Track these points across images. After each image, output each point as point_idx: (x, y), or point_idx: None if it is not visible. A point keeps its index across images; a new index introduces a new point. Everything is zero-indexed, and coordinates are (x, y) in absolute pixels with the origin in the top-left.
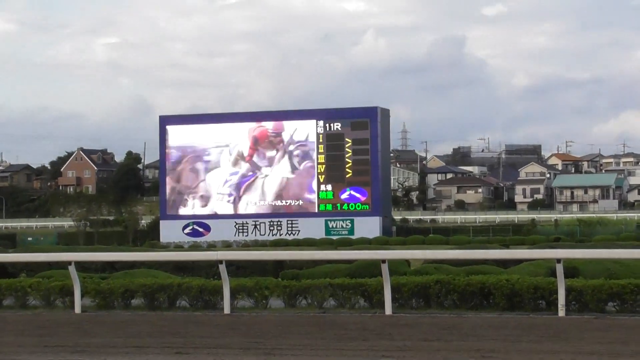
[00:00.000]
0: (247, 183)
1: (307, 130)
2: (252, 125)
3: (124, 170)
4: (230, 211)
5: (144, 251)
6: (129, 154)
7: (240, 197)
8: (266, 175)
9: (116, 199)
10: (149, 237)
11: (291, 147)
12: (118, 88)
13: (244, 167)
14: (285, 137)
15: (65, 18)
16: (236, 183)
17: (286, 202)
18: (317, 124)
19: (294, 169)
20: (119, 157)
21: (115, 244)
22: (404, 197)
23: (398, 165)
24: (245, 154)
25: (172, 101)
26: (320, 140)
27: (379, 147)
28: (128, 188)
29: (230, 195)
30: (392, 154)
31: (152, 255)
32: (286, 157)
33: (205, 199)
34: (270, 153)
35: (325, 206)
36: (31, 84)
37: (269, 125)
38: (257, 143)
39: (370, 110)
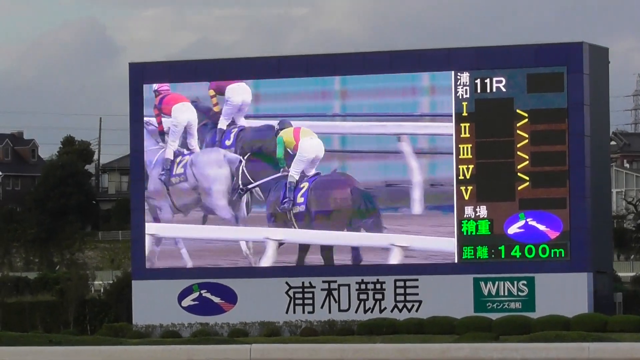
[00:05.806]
0: (311, 200)
1: (434, 93)
2: (326, 80)
3: (58, 175)
4: (274, 258)
5: (99, 344)
6: (68, 142)
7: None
8: (349, 185)
9: (42, 235)
10: (111, 315)
11: (398, 124)
12: (49, 5)
13: (311, 165)
14: (385, 105)
15: None
16: (289, 199)
17: (392, 242)
18: (455, 79)
19: (405, 173)
20: (48, 150)
21: (40, 329)
22: None
23: (626, 165)
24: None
25: (157, 35)
26: (464, 113)
27: (586, 126)
28: (66, 212)
29: (273, 223)
30: (613, 142)
31: (117, 351)
32: (389, 146)
33: (226, 239)
34: (349, 141)
35: (475, 251)
36: None
37: (351, 83)
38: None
39: (567, 50)
